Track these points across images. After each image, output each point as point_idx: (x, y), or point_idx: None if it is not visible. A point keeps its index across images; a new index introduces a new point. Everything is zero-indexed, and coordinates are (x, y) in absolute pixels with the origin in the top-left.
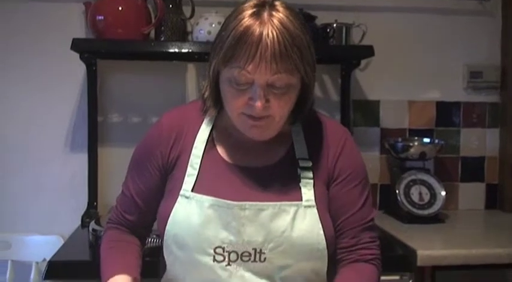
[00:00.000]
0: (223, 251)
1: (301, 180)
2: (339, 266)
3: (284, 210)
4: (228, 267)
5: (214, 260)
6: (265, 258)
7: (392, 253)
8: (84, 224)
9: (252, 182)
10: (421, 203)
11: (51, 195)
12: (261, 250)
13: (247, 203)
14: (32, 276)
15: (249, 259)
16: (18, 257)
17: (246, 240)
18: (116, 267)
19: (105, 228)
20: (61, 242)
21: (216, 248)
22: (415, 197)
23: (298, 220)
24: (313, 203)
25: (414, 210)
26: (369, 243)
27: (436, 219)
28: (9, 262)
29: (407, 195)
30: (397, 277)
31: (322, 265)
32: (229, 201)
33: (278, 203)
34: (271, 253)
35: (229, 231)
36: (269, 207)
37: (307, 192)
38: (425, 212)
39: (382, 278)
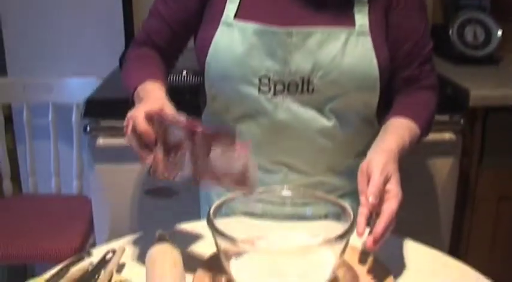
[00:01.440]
0: (269, 81)
1: (355, 4)
2: (396, 95)
3: (334, 36)
4: (274, 98)
5: (260, 90)
6: (313, 89)
7: (443, 93)
8: (121, 64)
9: (299, 5)
10: (475, 43)
11: (89, 38)
12: (309, 79)
13: (294, 29)
14: (73, 117)
15: (297, 90)
16: (58, 99)
17: (294, 69)
18: (143, 75)
19: (130, 49)
20: (100, 83)
21: (262, 77)
22: (469, 37)
23: (350, 47)
24: (367, 29)
25: (468, 50)
26: (429, 72)
27: (490, 60)
28: (51, 104)
29: (460, 35)
30: (447, 117)
31: (373, 97)
32: (274, 28)
33: (328, 28)
34: (320, 83)
35: (275, 60)
36: (318, 32)
37: (361, 18)
38: (480, 53)
39: None
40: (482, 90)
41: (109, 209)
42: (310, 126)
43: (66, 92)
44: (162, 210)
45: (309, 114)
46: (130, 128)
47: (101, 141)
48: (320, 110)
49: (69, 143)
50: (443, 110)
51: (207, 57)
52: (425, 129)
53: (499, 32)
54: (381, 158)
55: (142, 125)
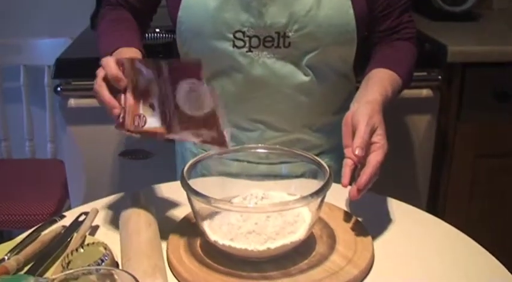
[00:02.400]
0: (244, 36)
1: None
2: (376, 47)
3: None
4: (249, 53)
5: (234, 45)
6: (289, 43)
7: (421, 49)
8: (93, 25)
9: None
10: None
11: None
12: (284, 33)
13: None
14: (45, 79)
15: (272, 44)
16: (29, 61)
17: (269, 22)
18: (118, 40)
19: (103, 10)
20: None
21: (236, 32)
22: None
23: None
24: None
25: (445, 6)
26: (408, 22)
27: (468, 17)
28: (22, 67)
29: None
30: (424, 73)
31: (350, 51)
32: None
33: None
34: (296, 36)
35: (250, 13)
36: None
37: None
38: (457, 9)
39: None
40: (460, 46)
41: (83, 172)
42: (287, 82)
43: (37, 53)
44: (137, 172)
45: (286, 69)
46: (101, 74)
47: (73, 102)
48: (297, 64)
49: (42, 106)
50: (421, 65)
51: (179, 13)
52: (407, 79)
53: None
54: (366, 110)
55: (114, 68)
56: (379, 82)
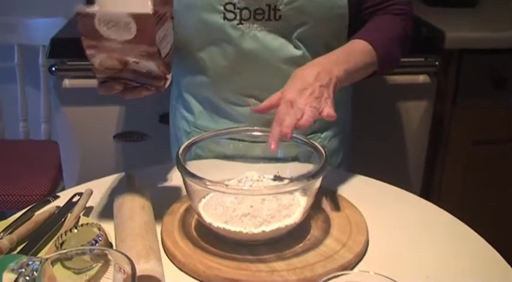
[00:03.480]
0: (234, 8)
1: None
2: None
3: None
4: (240, 26)
5: (225, 17)
6: (280, 16)
7: (419, 35)
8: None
9: None
10: None
11: None
12: (275, 6)
13: None
14: (40, 60)
15: (263, 17)
16: (24, 40)
17: None
18: None
19: None
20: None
21: (227, 4)
22: None
23: None
24: None
25: None
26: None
27: (466, 2)
28: (16, 46)
29: None
30: (421, 59)
31: (342, 27)
32: None
33: None
34: (287, 9)
35: None
36: None
37: None
38: None
39: (407, 59)
40: (457, 32)
41: (78, 154)
42: (278, 55)
43: (31, 32)
44: (132, 154)
45: (277, 43)
46: None
47: (67, 82)
48: (288, 38)
49: (37, 86)
50: (419, 51)
51: None
52: (384, 51)
53: None
54: (315, 67)
55: None
56: (343, 49)
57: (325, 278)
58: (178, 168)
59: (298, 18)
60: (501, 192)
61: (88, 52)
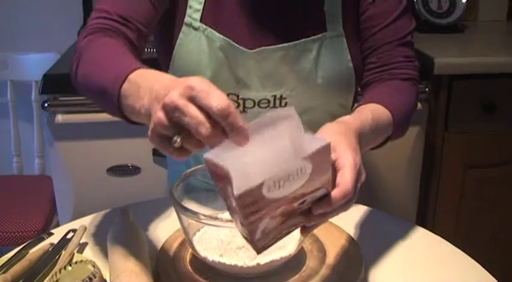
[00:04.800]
0: (238, 98)
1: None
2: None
3: (307, 48)
4: (243, 114)
5: None
6: (286, 103)
7: None
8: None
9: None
10: (439, 11)
11: (45, 12)
12: (281, 96)
13: (264, 49)
14: (33, 95)
15: (268, 105)
16: (17, 76)
17: (264, 89)
18: (127, 61)
19: (88, 38)
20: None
21: (229, 94)
22: (433, 5)
23: (323, 58)
24: (341, 32)
25: (432, 18)
26: (402, 62)
27: (454, 29)
28: (9, 82)
29: (425, 3)
30: None
31: (349, 98)
32: (242, 47)
33: (299, 41)
34: (294, 98)
35: (243, 82)
36: (290, 49)
37: (333, 18)
38: (444, 21)
39: None
40: (446, 58)
41: (71, 188)
42: None
43: (24, 68)
44: (126, 188)
45: None
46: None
47: (60, 117)
48: None
49: (30, 122)
50: None
51: (172, 63)
52: (398, 114)
53: (463, 0)
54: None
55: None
56: (357, 112)
57: None
58: (172, 201)
59: (306, 103)
60: (495, 214)
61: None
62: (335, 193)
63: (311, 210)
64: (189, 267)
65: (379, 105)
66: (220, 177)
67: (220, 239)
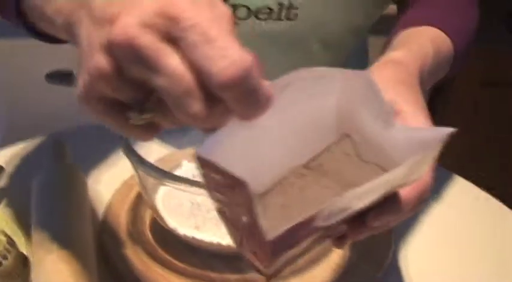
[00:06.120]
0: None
1: None
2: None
3: None
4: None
5: None
6: (296, 15)
7: None
8: None
9: None
10: None
11: None
12: (290, 4)
13: None
14: None
15: (269, 17)
16: None
17: None
18: None
19: None
20: None
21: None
22: None
23: None
24: None
25: None
26: None
27: None
28: None
29: None
30: None
31: (366, 21)
32: None
33: None
34: (306, 8)
35: None
36: None
37: None
38: None
39: None
40: None
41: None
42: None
43: None
44: (68, 101)
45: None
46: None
47: None
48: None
49: None
50: None
51: None
52: (461, 44)
53: None
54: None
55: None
56: (407, 41)
57: None
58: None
59: (320, 13)
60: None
61: None
62: (408, 192)
63: (363, 220)
64: (150, 237)
65: (436, 30)
66: (222, 185)
67: (195, 203)
